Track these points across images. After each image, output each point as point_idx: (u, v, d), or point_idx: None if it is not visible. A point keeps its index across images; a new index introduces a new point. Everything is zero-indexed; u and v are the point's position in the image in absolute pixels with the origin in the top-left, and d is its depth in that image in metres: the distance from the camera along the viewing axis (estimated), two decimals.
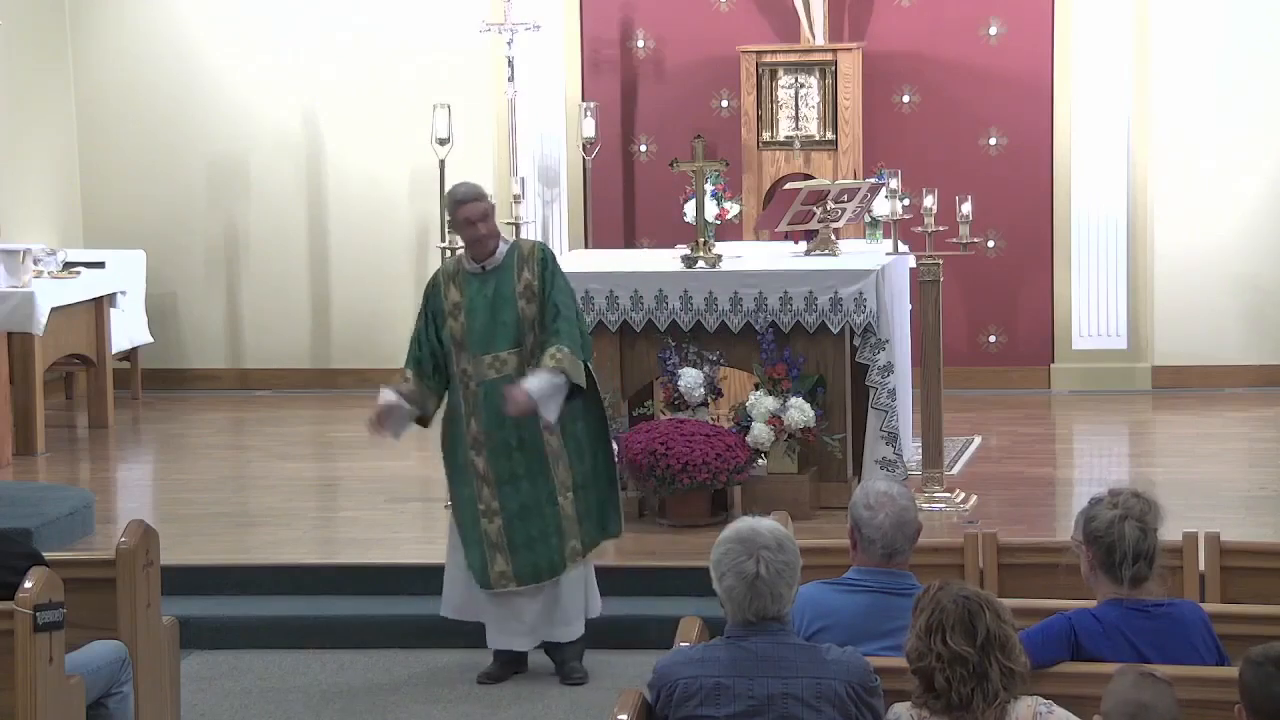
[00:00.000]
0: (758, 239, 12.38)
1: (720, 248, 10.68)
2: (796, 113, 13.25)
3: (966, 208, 10.04)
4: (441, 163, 13.34)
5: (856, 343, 9.98)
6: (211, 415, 13.43)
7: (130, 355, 13.72)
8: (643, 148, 13.98)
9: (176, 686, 7.34)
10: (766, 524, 5.22)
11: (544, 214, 13.84)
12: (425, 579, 8.68)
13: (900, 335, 10.49)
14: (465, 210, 8.18)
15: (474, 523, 8.19)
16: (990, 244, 13.48)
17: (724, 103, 13.78)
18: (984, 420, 12.42)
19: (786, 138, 13.26)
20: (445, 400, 8.32)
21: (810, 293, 9.93)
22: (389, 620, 8.86)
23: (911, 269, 10.75)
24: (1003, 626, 4.90)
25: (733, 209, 13.10)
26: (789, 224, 11.05)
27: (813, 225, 10.95)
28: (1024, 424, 12.43)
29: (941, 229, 10.11)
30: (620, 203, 13.92)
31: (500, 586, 8.16)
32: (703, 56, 13.76)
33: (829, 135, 13.19)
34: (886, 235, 10.99)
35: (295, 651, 8.77)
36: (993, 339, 13.70)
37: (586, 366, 8.23)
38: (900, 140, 13.52)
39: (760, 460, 9.95)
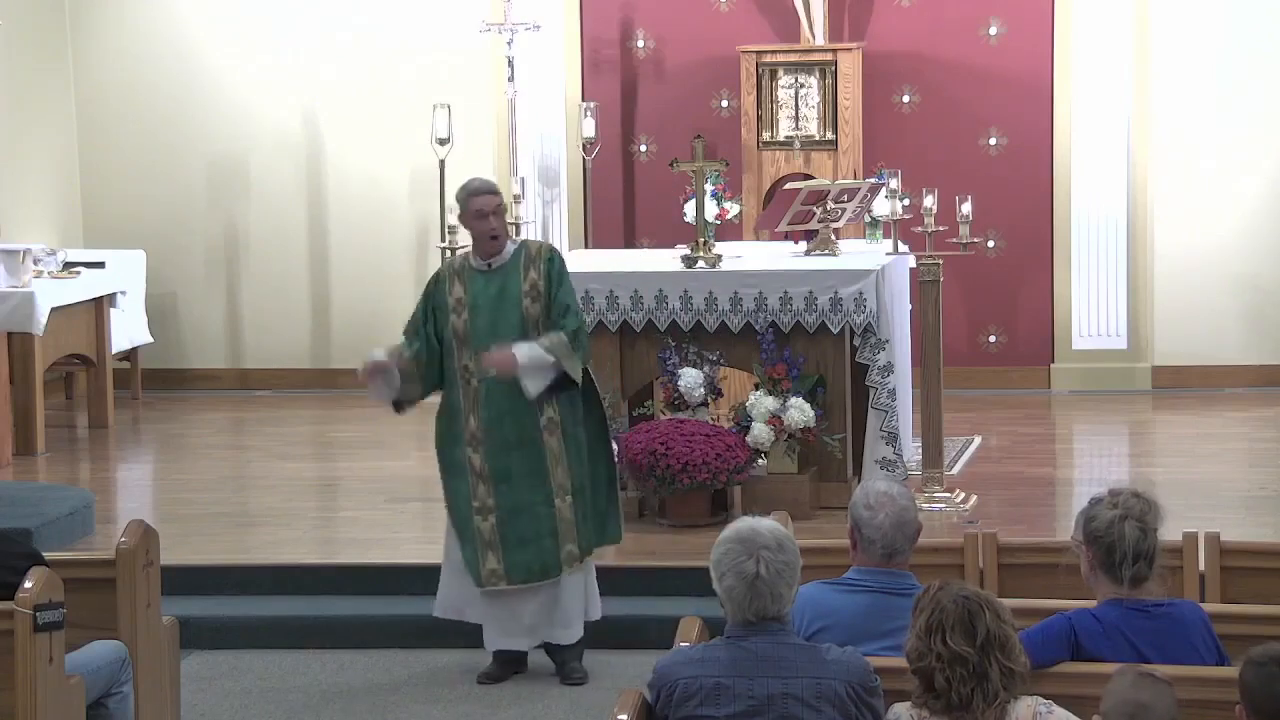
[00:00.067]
0: (758, 239, 12.38)
1: (720, 248, 10.68)
2: (796, 113, 13.25)
3: (966, 208, 10.04)
4: (441, 163, 13.36)
5: (856, 343, 9.98)
6: (211, 415, 13.43)
7: (130, 355, 13.73)
8: (643, 148, 13.98)
9: (176, 686, 7.34)
10: (766, 524, 5.22)
11: (544, 214, 13.84)
12: (425, 579, 8.67)
13: (900, 335, 10.49)
14: (478, 202, 8.16)
15: (468, 520, 8.19)
16: (990, 244, 13.48)
17: (724, 103, 13.78)
18: (984, 420, 12.42)
19: (786, 138, 13.26)
20: (443, 396, 8.30)
21: (810, 293, 9.93)
22: (389, 620, 8.86)
23: (911, 269, 10.75)
24: (1003, 626, 4.90)
25: (733, 209, 13.10)
26: (789, 224, 11.06)
27: (813, 225, 10.95)
28: (1024, 424, 12.43)
29: (941, 229, 10.11)
30: (620, 203, 13.92)
31: (491, 584, 8.15)
32: (703, 56, 13.77)
33: (829, 135, 13.19)
34: (886, 235, 10.99)
35: (295, 651, 8.77)
36: (993, 339, 13.71)
37: (587, 371, 8.24)
38: (900, 140, 13.52)
39: (760, 460, 9.95)
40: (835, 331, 9.94)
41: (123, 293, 13.28)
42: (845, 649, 5.19)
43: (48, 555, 6.63)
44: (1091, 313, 13.47)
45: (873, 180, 11.63)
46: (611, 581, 8.57)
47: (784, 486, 9.82)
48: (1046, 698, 4.97)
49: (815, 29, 13.31)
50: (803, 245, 11.07)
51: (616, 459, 8.59)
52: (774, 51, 13.32)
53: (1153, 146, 13.40)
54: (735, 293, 10.01)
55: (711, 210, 12.65)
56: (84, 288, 12.70)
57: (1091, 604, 5.47)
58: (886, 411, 9.92)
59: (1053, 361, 13.60)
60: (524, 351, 7.99)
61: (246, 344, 14.39)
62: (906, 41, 13.58)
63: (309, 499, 10.85)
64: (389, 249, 14.12)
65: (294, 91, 14.15)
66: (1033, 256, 13.60)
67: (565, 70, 13.88)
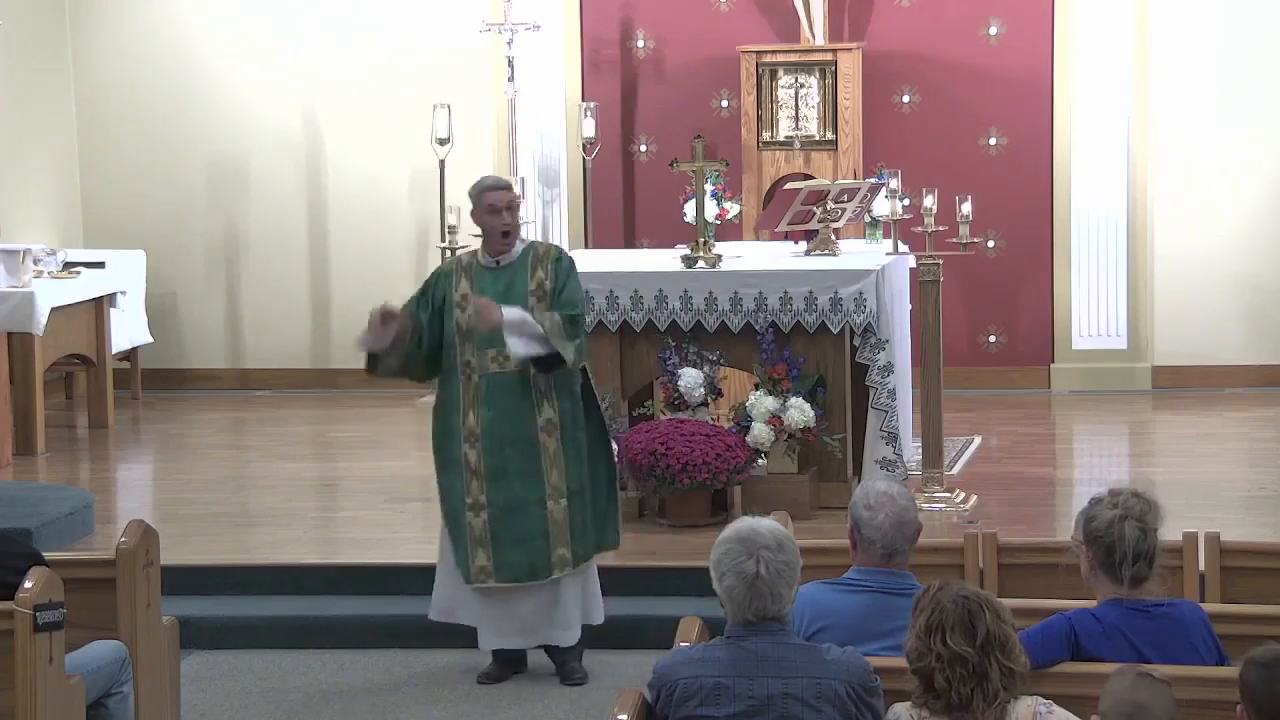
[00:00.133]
0: (758, 239, 12.38)
1: (720, 248, 10.68)
2: (796, 113, 13.25)
3: (966, 208, 10.04)
4: (441, 163, 13.36)
5: (856, 343, 9.98)
6: (211, 415, 13.43)
7: (130, 355, 13.73)
8: (643, 148, 13.98)
9: (176, 686, 7.34)
10: (766, 524, 5.22)
11: (544, 214, 13.84)
12: (425, 579, 8.66)
13: (900, 335, 10.49)
14: (491, 196, 8.17)
15: (460, 516, 8.18)
16: (990, 244, 13.48)
17: (724, 103, 13.78)
18: (984, 420, 12.42)
19: (786, 138, 13.26)
20: (440, 391, 8.30)
21: (810, 293, 9.93)
22: (389, 620, 8.86)
23: (911, 269, 10.75)
24: (1003, 626, 4.90)
25: (733, 209, 13.11)
26: (789, 224, 11.06)
27: (813, 225, 10.95)
28: (1024, 424, 12.43)
29: (941, 229, 10.11)
30: (620, 203, 13.93)
31: (479, 581, 8.15)
32: (703, 56, 13.77)
33: (829, 135, 13.20)
34: (886, 235, 11.00)
35: (295, 651, 8.76)
36: (993, 339, 13.71)
37: (586, 374, 8.24)
38: (900, 140, 13.52)
39: (760, 460, 9.95)
40: (835, 331, 9.94)
41: (123, 293, 13.28)
42: (845, 649, 5.19)
43: (48, 555, 6.63)
44: (1091, 313, 13.47)
45: (873, 180, 11.63)
46: (611, 581, 8.56)
47: (784, 486, 9.82)
48: (1046, 698, 4.97)
49: (815, 29, 13.31)
50: (803, 245, 11.07)
51: (616, 460, 8.58)
52: (774, 51, 13.32)
53: (1153, 146, 13.40)
54: (735, 293, 10.00)
55: (711, 210, 12.65)
56: (84, 288, 12.70)
57: (1091, 604, 5.47)
58: (886, 411, 9.92)
59: (1053, 361, 13.60)
60: (512, 311, 7.99)
61: (246, 344, 14.39)
62: (906, 41, 13.58)
63: (309, 499, 10.85)
64: (389, 249, 14.12)
65: (294, 91, 14.15)
66: (1033, 256, 13.60)
67: (565, 70, 13.88)
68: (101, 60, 14.38)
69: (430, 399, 8.50)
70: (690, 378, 9.90)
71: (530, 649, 8.37)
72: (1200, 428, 12.16)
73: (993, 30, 13.57)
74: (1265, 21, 13.33)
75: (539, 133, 13.82)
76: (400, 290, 13.73)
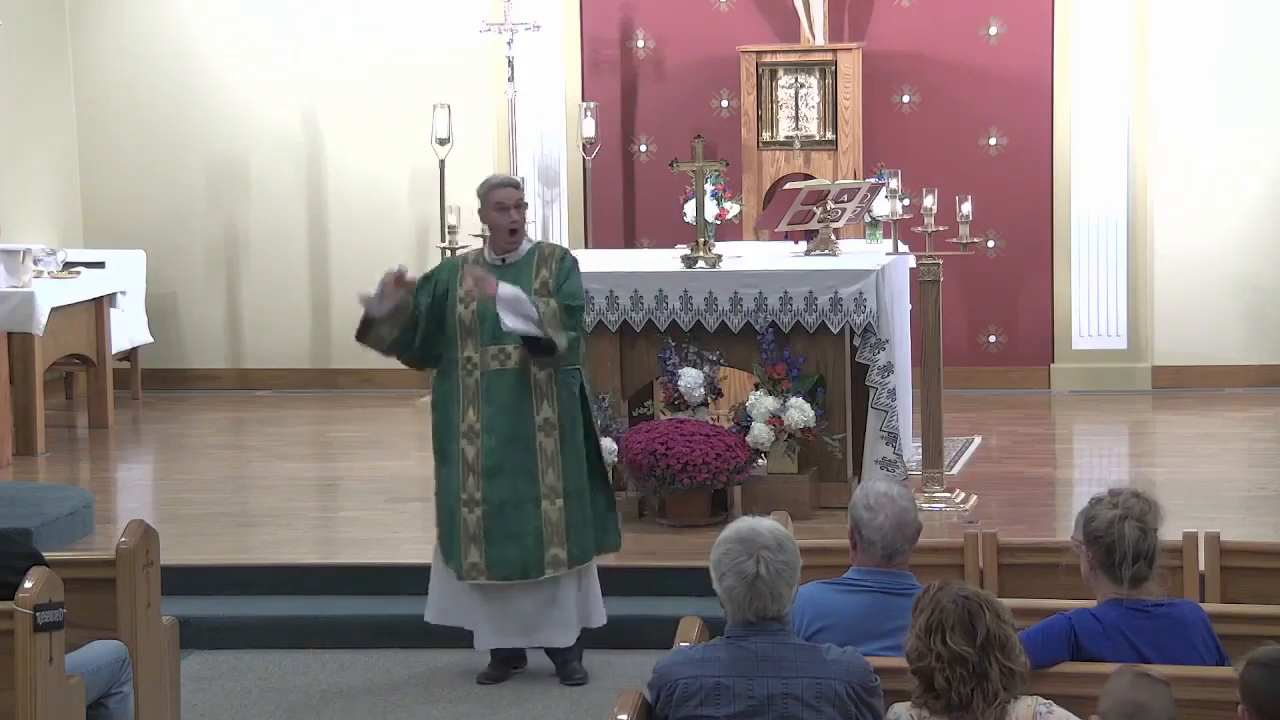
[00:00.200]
0: (758, 239, 12.38)
1: (720, 248, 10.68)
2: (796, 113, 13.25)
3: (966, 208, 10.04)
4: (441, 163, 13.36)
5: (856, 343, 9.98)
6: (211, 415, 13.43)
7: (130, 355, 13.73)
8: (643, 148, 13.98)
9: (176, 686, 7.34)
10: (766, 524, 5.22)
11: (544, 214, 13.84)
12: (425, 579, 8.64)
13: (900, 335, 10.49)
14: (499, 194, 8.20)
15: (454, 511, 8.19)
16: (990, 244, 13.48)
17: (724, 103, 13.78)
18: (984, 420, 12.42)
19: (786, 138, 13.26)
20: (438, 386, 8.30)
21: (810, 293, 9.93)
22: (389, 620, 8.86)
23: (911, 269, 10.75)
24: (1003, 626, 4.90)
25: (733, 209, 13.11)
26: (789, 224, 11.06)
27: (813, 225, 10.95)
28: (1024, 424, 12.43)
29: (941, 229, 10.11)
30: (620, 203, 13.92)
31: (470, 578, 8.15)
32: (703, 56, 13.77)
33: (829, 135, 13.20)
34: (886, 235, 10.99)
35: (295, 651, 8.76)
36: (993, 339, 13.71)
37: (585, 375, 8.25)
38: (900, 140, 13.52)
39: (760, 460, 9.95)
40: (835, 331, 9.94)
41: (123, 293, 13.28)
42: (845, 649, 5.19)
43: (48, 555, 6.63)
44: (1091, 313, 13.47)
45: (873, 180, 11.63)
46: (611, 581, 8.56)
47: (784, 486, 9.82)
48: (1046, 698, 4.97)
49: (815, 29, 13.31)
50: (803, 245, 11.07)
51: (616, 459, 8.58)
52: (774, 51, 13.32)
53: (1153, 146, 13.40)
54: (735, 293, 10.00)
55: (711, 210, 12.65)
56: (84, 288, 12.70)
57: (1091, 604, 5.47)
58: (886, 411, 9.92)
59: (1053, 361, 13.60)
60: (511, 288, 8.00)
61: (246, 344, 14.39)
62: (906, 41, 13.58)
63: (309, 499, 10.85)
64: (389, 249, 14.09)
65: (294, 91, 14.15)
66: (1033, 256, 13.60)
67: (565, 70, 13.88)
68: (101, 60, 14.38)
69: (429, 399, 8.49)
70: (690, 378, 9.90)
71: (526, 649, 8.38)
72: (1200, 428, 12.16)
73: (993, 30, 13.57)
74: (1265, 21, 13.33)
75: (539, 133, 13.82)
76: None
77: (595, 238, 13.64)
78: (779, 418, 9.82)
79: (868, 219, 11.68)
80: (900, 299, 10.70)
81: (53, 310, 12.06)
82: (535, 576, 8.13)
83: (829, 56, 13.18)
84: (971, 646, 4.85)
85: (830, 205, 10.88)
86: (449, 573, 8.24)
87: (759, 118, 13.25)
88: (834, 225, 10.92)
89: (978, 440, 11.80)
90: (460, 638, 8.40)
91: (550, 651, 8.32)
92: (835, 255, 10.64)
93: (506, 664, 8.36)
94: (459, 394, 8.20)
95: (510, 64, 13.49)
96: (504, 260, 8.23)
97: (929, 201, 10.09)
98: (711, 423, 9.97)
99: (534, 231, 13.61)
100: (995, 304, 13.67)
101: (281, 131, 14.19)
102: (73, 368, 13.38)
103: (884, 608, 5.54)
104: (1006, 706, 4.88)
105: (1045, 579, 6.34)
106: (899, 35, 13.57)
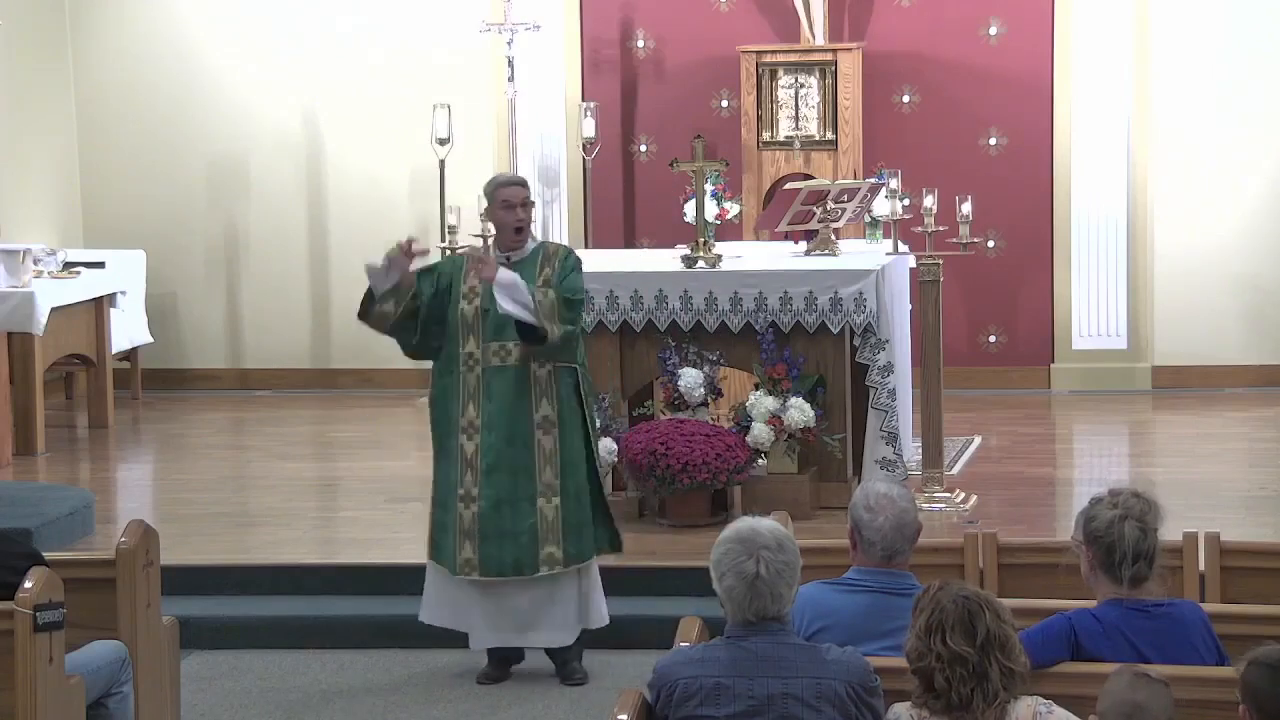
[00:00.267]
0: (758, 239, 12.38)
1: (720, 248, 10.68)
2: (796, 113, 13.25)
3: (966, 208, 10.05)
4: (441, 163, 13.36)
5: (856, 343, 9.98)
6: (211, 415, 13.43)
7: (130, 355, 13.73)
8: (643, 148, 13.98)
9: (176, 686, 7.34)
10: (766, 524, 5.22)
11: (544, 214, 13.84)
12: (424, 579, 8.66)
13: (900, 335, 10.49)
14: (506, 193, 8.22)
15: (450, 507, 8.19)
16: (990, 244, 13.48)
17: (724, 103, 13.78)
18: (984, 420, 12.42)
19: (786, 138, 13.26)
20: (438, 382, 8.30)
21: (810, 293, 9.93)
22: (389, 620, 8.86)
23: (911, 269, 10.75)
24: (1003, 626, 4.90)
25: (733, 209, 13.11)
26: (789, 224, 11.06)
27: (813, 225, 10.95)
28: (1024, 424, 12.43)
29: (941, 229, 10.11)
30: (620, 203, 13.92)
31: (464, 574, 8.15)
32: (703, 56, 13.77)
33: (829, 135, 13.19)
34: (886, 235, 10.99)
35: (295, 651, 8.76)
36: (993, 339, 13.71)
37: (583, 375, 8.25)
38: (900, 140, 13.52)
39: (760, 460, 9.95)
40: (835, 331, 9.94)
41: (123, 293, 13.28)
42: (845, 649, 5.19)
43: (48, 555, 6.63)
44: (1091, 313, 13.47)
45: (873, 180, 11.62)
46: (611, 581, 8.56)
47: (784, 486, 9.82)
48: (1046, 698, 4.97)
49: (815, 29, 13.31)
50: (803, 245, 11.07)
51: (616, 459, 8.57)
52: (774, 51, 13.32)
53: (1153, 146, 13.40)
54: (735, 293, 10.00)
55: (711, 210, 12.65)
56: (84, 288, 12.70)
57: (1091, 604, 5.47)
58: (886, 411, 9.92)
59: (1053, 361, 13.60)
60: (508, 274, 8.01)
61: (246, 344, 14.39)
62: (906, 41, 13.58)
63: (309, 499, 10.85)
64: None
65: (294, 91, 14.15)
66: (1033, 256, 13.60)
67: (565, 70, 13.88)
68: (101, 60, 14.38)
69: (428, 396, 8.50)
70: (690, 378, 9.90)
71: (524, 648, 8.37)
72: (1200, 428, 12.16)
73: (993, 30, 13.57)
74: (1265, 21, 13.33)
75: (539, 133, 13.82)
76: None
77: (595, 238, 13.64)
78: (779, 418, 9.82)
79: (868, 219, 11.68)
80: (900, 299, 10.70)
81: (53, 310, 12.06)
82: (529, 574, 8.13)
83: (829, 56, 13.18)
84: (971, 646, 4.85)
85: (830, 205, 10.88)
86: (443, 572, 8.23)
87: (759, 118, 13.25)
88: (834, 225, 10.92)
89: (978, 440, 11.80)
90: (461, 637, 8.39)
91: (550, 651, 8.32)
92: (835, 255, 10.64)
93: (506, 663, 8.36)
94: (459, 389, 8.20)
95: (510, 64, 13.49)
96: (509, 258, 8.24)
97: (929, 201, 10.09)
98: (711, 423, 9.97)
99: (534, 231, 13.61)
100: (995, 304, 13.67)
101: (281, 131, 14.19)
102: (73, 368, 13.38)
103: (884, 608, 5.54)
104: (1006, 706, 4.88)
105: (1045, 579, 6.34)
106: (899, 35, 13.57)
